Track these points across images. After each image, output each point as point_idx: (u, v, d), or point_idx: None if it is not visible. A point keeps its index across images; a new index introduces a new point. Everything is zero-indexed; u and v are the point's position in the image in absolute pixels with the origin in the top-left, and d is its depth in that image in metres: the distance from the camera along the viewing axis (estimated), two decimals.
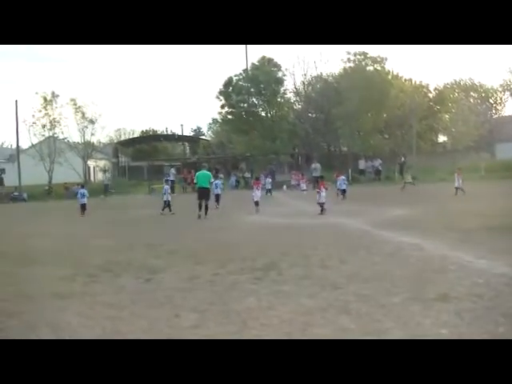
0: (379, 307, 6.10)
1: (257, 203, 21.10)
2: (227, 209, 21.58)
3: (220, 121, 54.74)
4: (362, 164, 43.95)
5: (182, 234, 15.39)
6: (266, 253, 10.53)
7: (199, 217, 19.01)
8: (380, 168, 43.07)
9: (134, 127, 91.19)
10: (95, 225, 19.46)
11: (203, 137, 72.45)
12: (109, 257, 11.00)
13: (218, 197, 23.06)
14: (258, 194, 21.56)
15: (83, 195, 23.80)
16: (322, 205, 18.24)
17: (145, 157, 54.88)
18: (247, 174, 43.18)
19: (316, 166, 37.65)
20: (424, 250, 10.04)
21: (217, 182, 24.33)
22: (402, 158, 41.82)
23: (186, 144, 66.23)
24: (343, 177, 26.47)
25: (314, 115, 49.51)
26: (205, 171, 20.90)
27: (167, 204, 21.76)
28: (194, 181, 21.75)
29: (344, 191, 25.31)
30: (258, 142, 46.74)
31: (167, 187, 22.82)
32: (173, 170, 42.46)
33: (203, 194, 19.76)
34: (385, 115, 44.90)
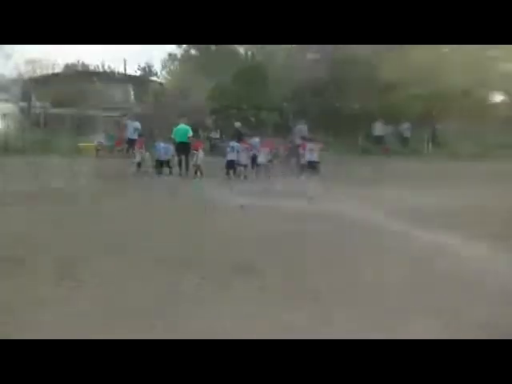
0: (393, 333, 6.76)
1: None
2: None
3: (180, 57, 54.20)
4: (378, 128, 43.60)
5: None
6: (241, 248, 11.30)
7: (180, 175, 23.58)
8: (407, 135, 43.16)
9: (56, 59, 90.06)
10: None
11: (155, 78, 72.07)
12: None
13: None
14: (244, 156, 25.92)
15: None
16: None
17: (70, 102, 53.85)
18: (214, 134, 43.47)
19: (301, 128, 37.45)
20: (460, 254, 10.85)
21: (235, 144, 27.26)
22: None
23: (130, 87, 65.60)
24: (311, 144, 28.09)
25: (314, 56, 49.73)
26: (183, 125, 23.33)
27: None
28: (172, 135, 26.59)
29: (312, 165, 27.31)
30: (231, 90, 46.38)
31: (168, 146, 26.66)
32: (136, 124, 37.56)
33: (182, 149, 24.38)
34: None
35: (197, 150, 26.84)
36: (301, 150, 29.58)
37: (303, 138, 32.00)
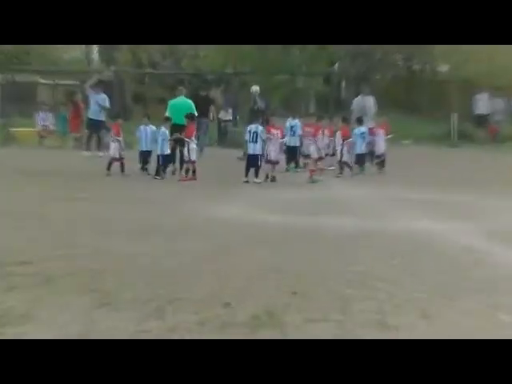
0: None
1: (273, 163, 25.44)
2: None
3: None
4: (482, 103, 43.25)
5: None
6: (258, 287, 10.95)
7: (173, 174, 24.52)
8: None
9: None
10: None
11: None
12: None
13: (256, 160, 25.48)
14: (273, 148, 25.30)
15: None
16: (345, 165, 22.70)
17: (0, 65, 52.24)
18: (224, 114, 42.30)
19: (365, 100, 34.14)
20: None
21: (258, 128, 26.29)
22: None
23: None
24: (363, 128, 28.21)
25: None
26: (183, 97, 26.20)
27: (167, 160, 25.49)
28: (166, 114, 26.72)
29: (361, 159, 27.82)
30: (250, 47, 44.37)
31: (162, 131, 26.10)
32: (102, 97, 36.56)
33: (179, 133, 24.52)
34: None
35: (189, 138, 25.63)
36: (340, 139, 28.42)
37: (343, 120, 30.81)
